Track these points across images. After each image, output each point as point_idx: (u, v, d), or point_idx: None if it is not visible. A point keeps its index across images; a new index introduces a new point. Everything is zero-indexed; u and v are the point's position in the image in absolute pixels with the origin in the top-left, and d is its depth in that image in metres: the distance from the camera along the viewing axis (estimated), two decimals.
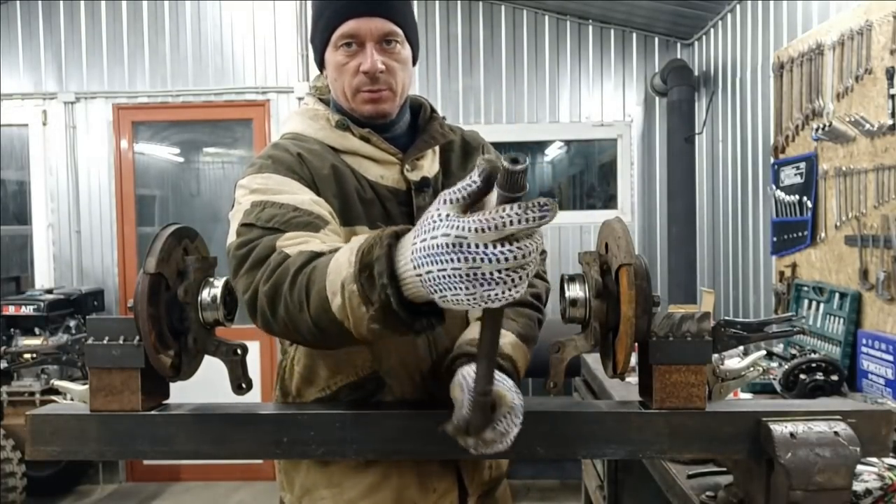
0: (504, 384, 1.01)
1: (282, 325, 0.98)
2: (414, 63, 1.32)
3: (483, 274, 0.71)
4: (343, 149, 1.27)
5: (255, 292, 1.00)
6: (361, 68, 1.23)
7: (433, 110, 1.39)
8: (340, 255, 0.90)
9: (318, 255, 0.97)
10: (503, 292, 0.71)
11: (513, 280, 0.71)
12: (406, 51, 1.28)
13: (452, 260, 0.71)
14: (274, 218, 1.08)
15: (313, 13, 1.31)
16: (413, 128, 1.37)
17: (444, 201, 0.75)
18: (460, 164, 1.38)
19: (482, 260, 0.70)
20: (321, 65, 1.32)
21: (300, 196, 1.13)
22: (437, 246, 0.72)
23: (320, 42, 1.28)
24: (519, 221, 0.69)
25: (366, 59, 1.22)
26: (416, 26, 1.32)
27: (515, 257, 0.70)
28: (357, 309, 0.84)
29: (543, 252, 0.96)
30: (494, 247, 0.70)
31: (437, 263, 0.73)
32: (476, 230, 0.70)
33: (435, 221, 0.74)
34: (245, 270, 1.04)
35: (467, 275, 0.71)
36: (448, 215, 0.74)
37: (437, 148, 1.37)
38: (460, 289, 0.72)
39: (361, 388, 1.23)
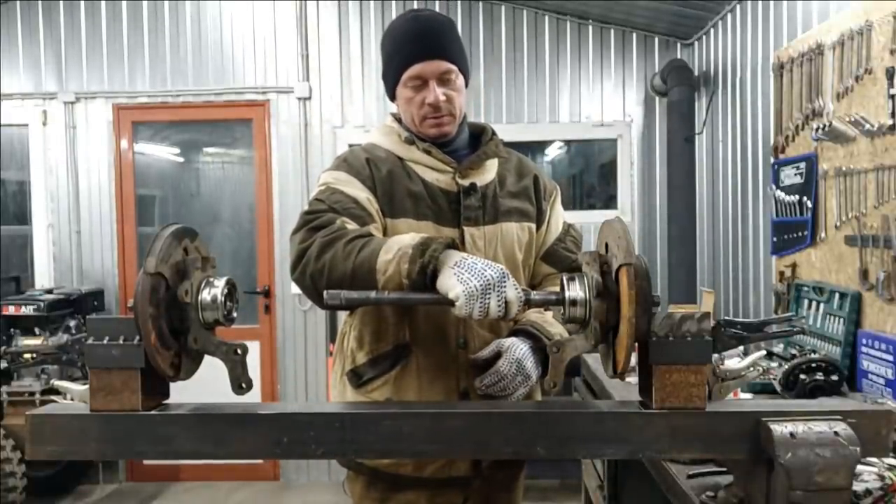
0: (514, 350, 1.39)
1: (318, 267, 1.29)
2: (466, 86, 1.59)
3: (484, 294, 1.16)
4: (408, 158, 1.55)
5: (311, 243, 1.32)
6: (426, 101, 1.50)
7: (494, 133, 1.65)
8: (403, 235, 1.29)
9: (373, 235, 1.33)
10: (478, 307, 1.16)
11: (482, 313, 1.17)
12: (460, 80, 1.56)
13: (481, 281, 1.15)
14: (338, 203, 1.42)
15: (384, 56, 1.58)
16: (474, 147, 1.62)
17: (514, 283, 1.17)
18: (515, 181, 1.63)
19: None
20: (392, 97, 1.59)
21: (360, 193, 1.46)
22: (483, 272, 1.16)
23: (392, 80, 1.55)
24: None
25: (430, 94, 1.50)
26: (466, 59, 1.59)
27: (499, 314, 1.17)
28: (401, 265, 1.20)
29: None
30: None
31: (473, 275, 1.16)
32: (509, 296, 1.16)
33: (493, 266, 1.18)
34: (306, 229, 1.37)
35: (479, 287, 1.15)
36: (506, 275, 1.17)
37: (496, 161, 1.62)
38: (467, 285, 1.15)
39: (393, 355, 1.47)
